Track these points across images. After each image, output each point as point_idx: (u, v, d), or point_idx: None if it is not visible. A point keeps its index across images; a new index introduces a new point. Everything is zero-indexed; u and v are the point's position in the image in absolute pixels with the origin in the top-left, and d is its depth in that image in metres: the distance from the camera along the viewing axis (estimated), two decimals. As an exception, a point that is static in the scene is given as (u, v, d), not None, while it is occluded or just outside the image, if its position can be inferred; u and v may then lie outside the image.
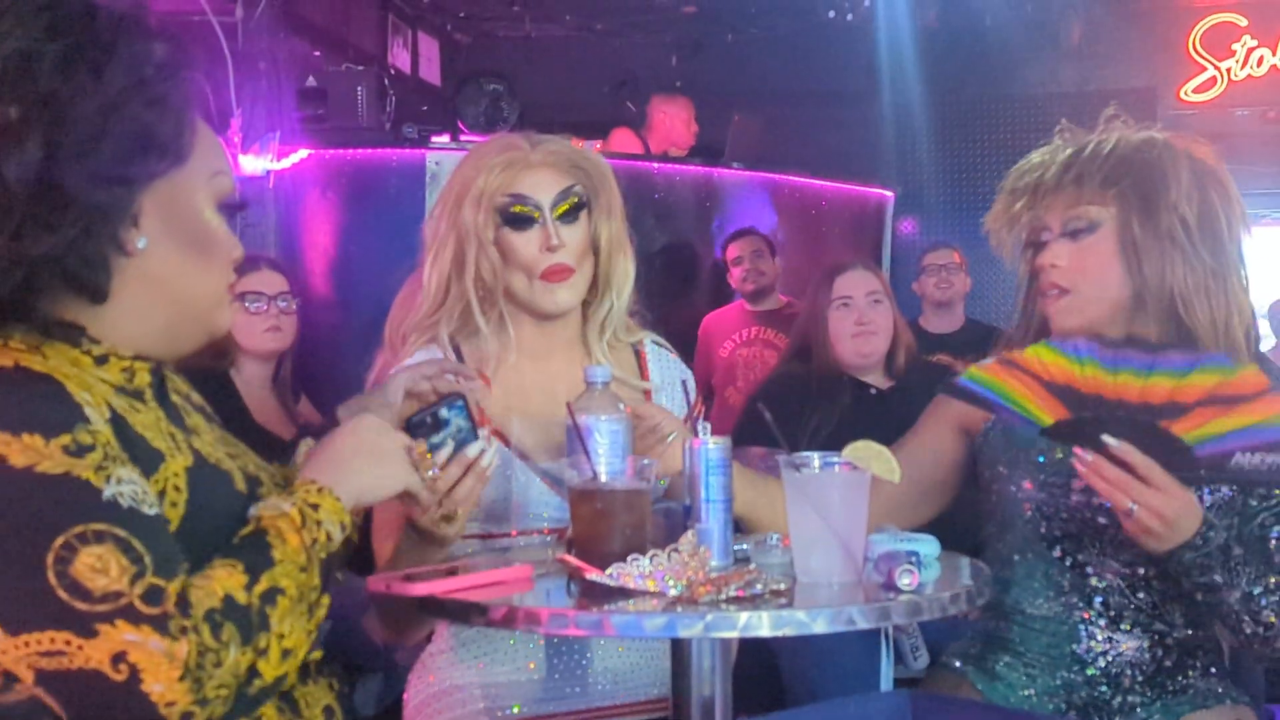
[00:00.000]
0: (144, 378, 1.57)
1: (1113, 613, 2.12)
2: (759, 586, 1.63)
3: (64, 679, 1.34)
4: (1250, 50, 9.07)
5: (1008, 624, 2.21)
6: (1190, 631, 2.14)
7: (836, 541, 1.71)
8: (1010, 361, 2.00)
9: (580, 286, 2.26)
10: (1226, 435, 1.91)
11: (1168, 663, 2.14)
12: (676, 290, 6.20)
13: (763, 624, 1.52)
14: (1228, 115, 9.25)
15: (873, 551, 1.75)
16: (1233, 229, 2.15)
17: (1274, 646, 2.02)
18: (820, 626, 1.53)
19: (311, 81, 5.69)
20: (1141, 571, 2.11)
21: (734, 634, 1.52)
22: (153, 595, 1.35)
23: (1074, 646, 2.14)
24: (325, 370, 5.15)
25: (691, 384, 2.32)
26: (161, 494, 1.47)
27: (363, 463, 1.66)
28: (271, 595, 1.45)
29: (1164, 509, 1.89)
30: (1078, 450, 1.92)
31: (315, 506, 1.56)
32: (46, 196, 1.42)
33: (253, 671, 1.42)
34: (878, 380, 3.87)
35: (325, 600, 1.54)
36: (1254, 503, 2.09)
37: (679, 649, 1.77)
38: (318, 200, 5.54)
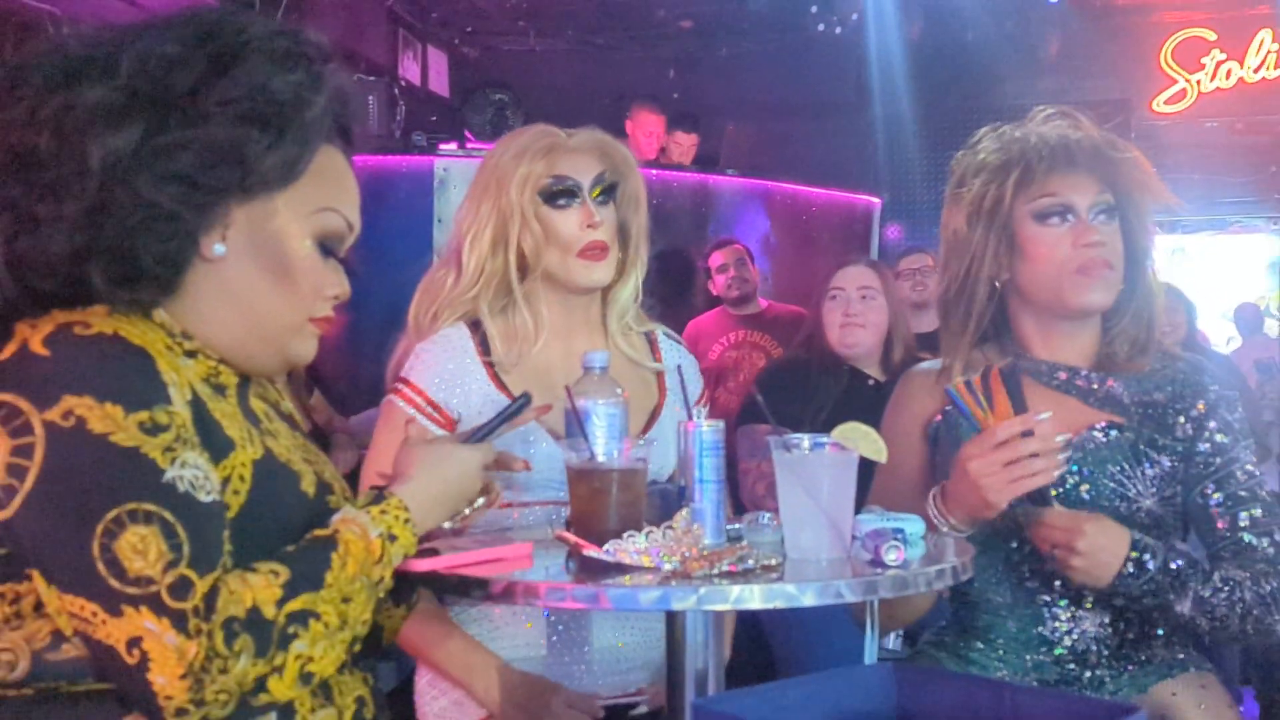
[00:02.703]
0: (229, 378, 1.56)
1: (1073, 593, 2.11)
2: (750, 562, 1.60)
3: (90, 644, 1.36)
4: (1219, 64, 9.08)
5: (976, 612, 2.19)
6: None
7: (825, 519, 1.69)
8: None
9: (613, 266, 2.26)
10: None
11: (1130, 635, 2.13)
12: (672, 294, 6.18)
13: (754, 597, 1.50)
14: (1198, 126, 9.26)
15: (860, 529, 1.73)
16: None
17: (1230, 633, 2.03)
18: (809, 599, 1.51)
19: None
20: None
21: (726, 606, 1.50)
22: (181, 588, 1.34)
23: (1039, 629, 2.13)
24: (338, 370, 5.14)
25: (691, 370, 2.31)
26: (226, 481, 1.46)
27: (447, 506, 1.64)
28: (303, 617, 1.41)
29: (1071, 543, 1.92)
30: None
31: (394, 539, 1.53)
32: (121, 182, 1.43)
33: (261, 685, 1.39)
34: (876, 372, 3.88)
35: (363, 631, 1.50)
36: (1195, 470, 2.10)
37: (673, 624, 1.76)
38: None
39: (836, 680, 1.58)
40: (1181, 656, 2.16)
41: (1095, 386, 2.13)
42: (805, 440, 1.74)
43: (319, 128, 1.56)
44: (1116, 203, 2.13)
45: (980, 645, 2.18)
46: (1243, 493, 2.09)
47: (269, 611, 1.38)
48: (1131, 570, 1.94)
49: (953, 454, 2.17)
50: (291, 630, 1.40)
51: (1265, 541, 2.06)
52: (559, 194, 2.21)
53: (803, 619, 3.40)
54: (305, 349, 1.60)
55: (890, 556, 1.62)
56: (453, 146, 5.84)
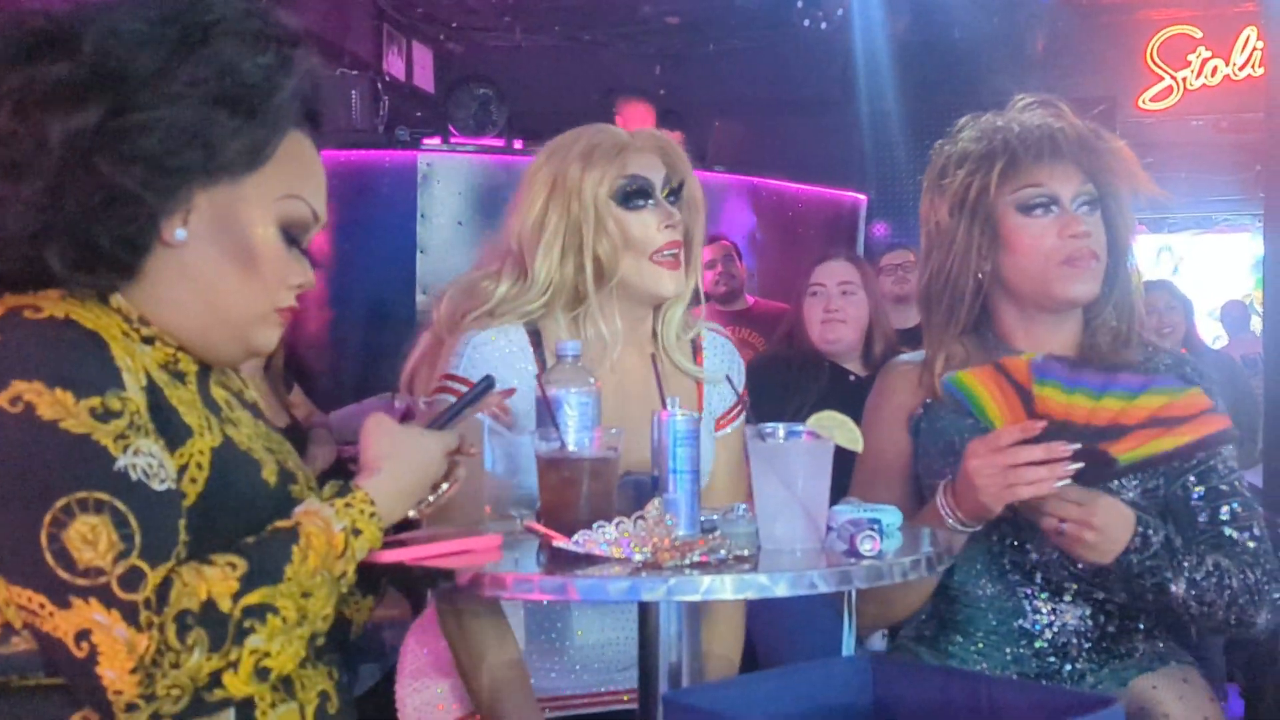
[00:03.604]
0: (189, 365, 1.53)
1: (1053, 585, 2.09)
2: (723, 552, 1.57)
3: (38, 636, 1.33)
4: (1205, 61, 9.10)
5: (956, 606, 2.16)
6: (1129, 597, 2.10)
7: (800, 509, 1.66)
8: (1002, 368, 1.94)
9: (683, 277, 2.16)
10: (1158, 455, 1.89)
11: (1111, 628, 2.11)
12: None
13: (725, 587, 1.47)
14: (1184, 124, 9.27)
15: (836, 520, 1.70)
16: None
17: (1216, 621, 2.01)
18: (782, 590, 1.48)
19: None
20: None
21: (696, 597, 1.47)
22: (132, 579, 1.31)
23: (1019, 622, 2.11)
24: (321, 365, 5.12)
25: (739, 377, 2.24)
26: (183, 469, 1.42)
27: (411, 497, 1.60)
28: (261, 611, 1.37)
29: (1088, 518, 1.88)
30: None
31: (358, 533, 1.49)
32: (82, 161, 1.40)
33: (216, 680, 1.35)
34: (856, 368, 3.87)
35: (324, 627, 1.47)
36: (1178, 461, 2.07)
37: (646, 616, 1.72)
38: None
39: (812, 672, 1.56)
40: (1162, 650, 2.14)
41: None
42: (780, 429, 1.71)
43: (287, 112, 1.52)
44: (1099, 193, 2.10)
45: (959, 639, 2.15)
46: (1224, 486, 2.07)
47: (224, 605, 1.35)
48: (1137, 544, 1.91)
49: (934, 446, 2.15)
50: (248, 624, 1.36)
51: (1245, 535, 2.05)
52: (633, 194, 2.10)
53: (786, 612, 3.37)
54: (267, 338, 1.56)
55: (865, 547, 1.59)
56: (436, 141, 5.82)
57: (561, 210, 2.10)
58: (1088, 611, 2.09)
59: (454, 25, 8.35)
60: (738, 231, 6.41)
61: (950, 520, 1.93)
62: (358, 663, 3.38)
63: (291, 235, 1.55)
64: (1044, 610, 2.10)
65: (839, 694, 1.51)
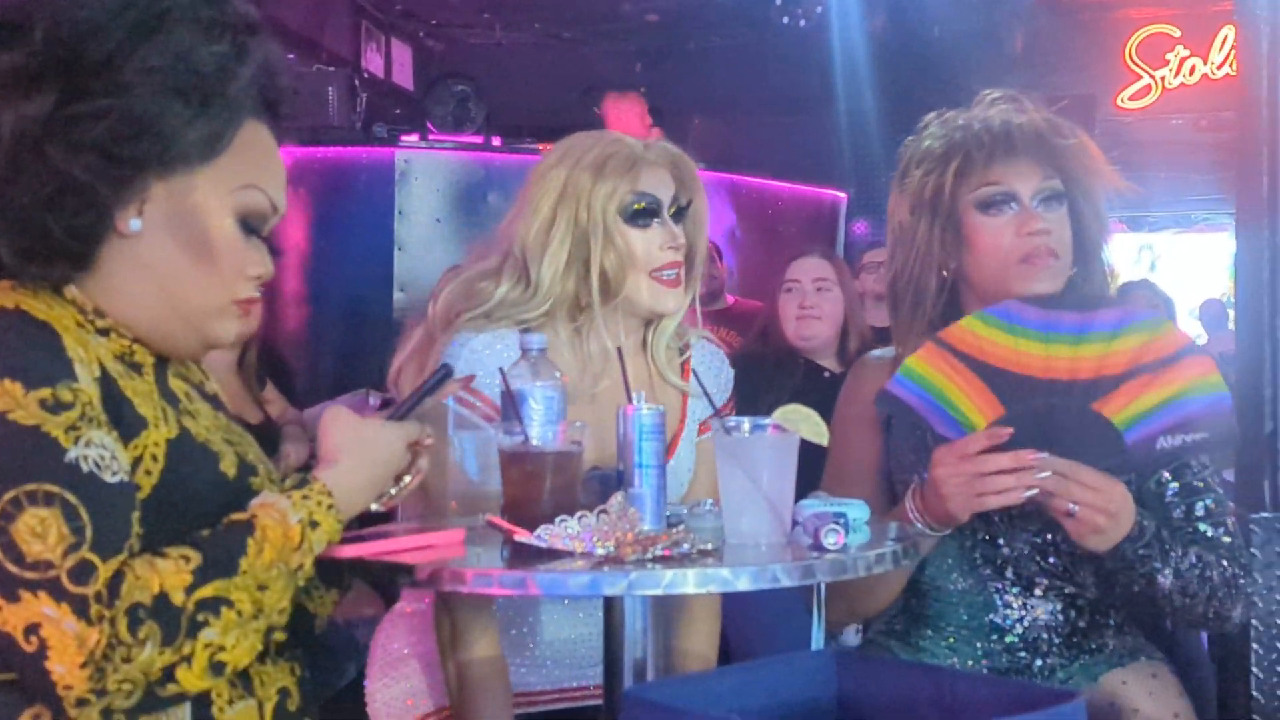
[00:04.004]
0: (145, 357, 1.50)
1: (1025, 580, 2.08)
2: (686, 546, 1.56)
3: None
4: (1183, 60, 9.11)
5: (927, 600, 2.16)
6: (1100, 592, 2.11)
7: (766, 503, 1.65)
8: (944, 343, 1.94)
9: (682, 294, 2.16)
10: (1151, 414, 1.88)
11: (1081, 623, 2.11)
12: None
13: (687, 581, 1.46)
14: (1163, 123, 9.29)
15: (801, 514, 1.69)
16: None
17: (1195, 614, 2.00)
18: (744, 584, 1.47)
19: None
20: (1050, 537, 2.06)
21: (658, 591, 1.46)
22: (82, 572, 1.29)
23: (990, 616, 2.10)
24: (297, 362, 5.09)
25: (727, 386, 2.24)
26: (138, 461, 1.40)
27: (372, 489, 1.58)
28: (215, 605, 1.36)
29: (1105, 504, 1.86)
30: None
31: (316, 525, 1.47)
32: (33, 150, 1.38)
33: (169, 674, 1.34)
34: (831, 364, 3.87)
35: (281, 620, 1.45)
36: (1172, 436, 2.04)
37: (611, 612, 1.71)
38: (290, 196, 5.46)
39: (776, 667, 1.55)
40: (1133, 645, 2.14)
41: None
42: (745, 423, 1.70)
43: (244, 101, 1.51)
44: (1065, 189, 2.09)
45: (930, 633, 2.15)
46: (1198, 483, 2.07)
47: (177, 598, 1.33)
48: (1135, 532, 1.90)
49: (905, 443, 2.14)
50: (201, 618, 1.34)
51: (1220, 531, 2.04)
52: (641, 213, 2.08)
53: (760, 607, 3.37)
54: (225, 331, 1.54)
55: (829, 540, 1.58)
56: (415, 138, 5.80)
57: (570, 218, 2.07)
58: (1059, 606, 2.09)
59: (434, 22, 8.32)
60: (717, 229, 6.40)
61: (919, 525, 1.93)
62: (343, 661, 3.35)
63: (250, 226, 1.53)
64: (1015, 605, 2.09)
65: (803, 689, 1.50)
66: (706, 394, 1.93)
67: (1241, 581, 2.02)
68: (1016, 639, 2.09)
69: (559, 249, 2.07)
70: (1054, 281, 2.05)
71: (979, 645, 2.10)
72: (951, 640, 2.12)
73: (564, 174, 2.09)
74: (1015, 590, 2.09)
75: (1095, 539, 1.89)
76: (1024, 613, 2.09)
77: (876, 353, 2.29)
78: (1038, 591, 2.08)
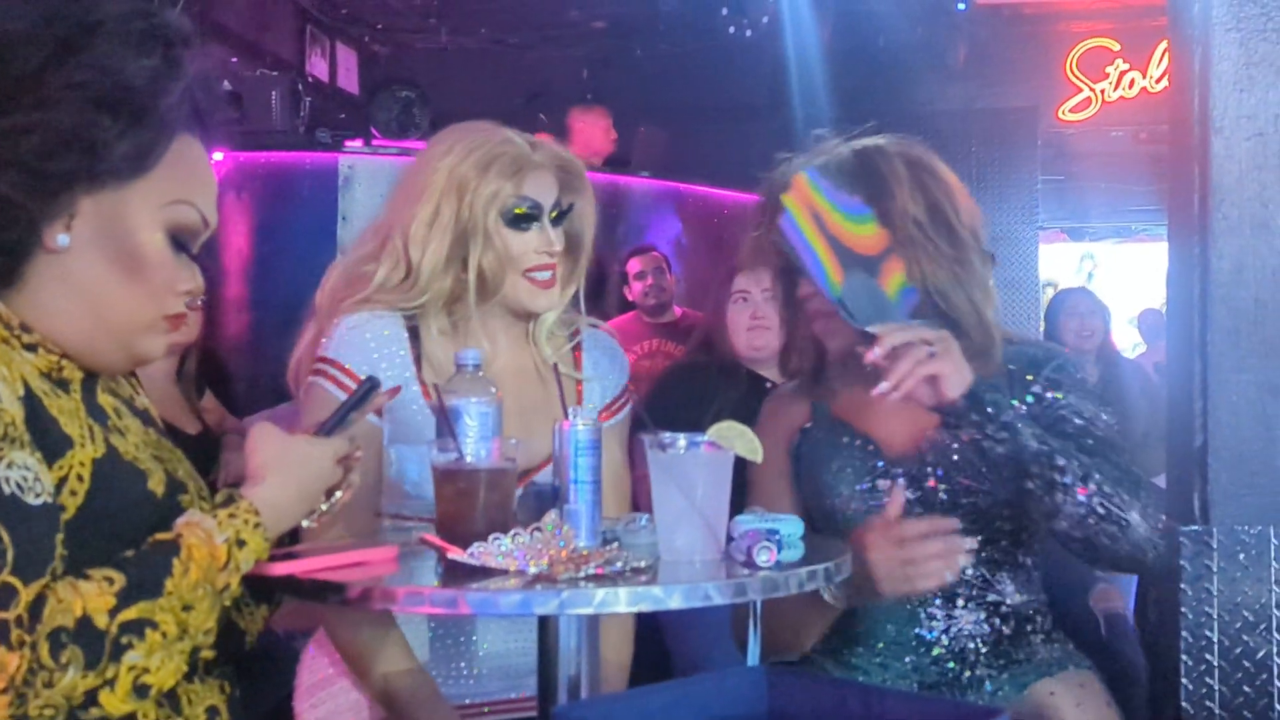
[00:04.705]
0: (73, 373, 1.48)
1: (947, 592, 2.10)
2: (620, 564, 1.55)
3: None
4: (1123, 73, 9.22)
5: (854, 618, 2.17)
6: (1023, 598, 2.14)
7: (700, 520, 1.65)
8: (815, 213, 1.98)
9: (558, 292, 2.17)
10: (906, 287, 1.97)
11: (1006, 631, 2.13)
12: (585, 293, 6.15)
13: (619, 600, 1.45)
14: (1103, 135, 9.40)
15: (736, 530, 1.68)
16: (961, 215, 2.13)
17: (1109, 533, 1.96)
18: (676, 602, 1.47)
19: (226, 86, 5.57)
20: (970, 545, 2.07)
21: (590, 610, 1.45)
22: (3, 596, 1.26)
23: (916, 630, 2.12)
24: (238, 370, 5.04)
25: (620, 373, 2.27)
26: (63, 481, 1.38)
27: (301, 505, 1.56)
28: (139, 627, 1.33)
29: (928, 335, 1.89)
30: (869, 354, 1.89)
31: (243, 544, 1.45)
32: None
33: (92, 698, 1.31)
34: (774, 375, 3.87)
35: (206, 641, 1.44)
36: (1058, 397, 2.09)
37: (546, 630, 1.70)
38: (232, 202, 5.43)
39: (706, 684, 1.54)
40: (1060, 655, 2.16)
41: None
42: (680, 439, 1.69)
43: (175, 116, 1.49)
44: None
45: (861, 650, 2.16)
46: (1061, 411, 2.08)
47: (101, 621, 1.31)
48: (982, 393, 1.90)
49: (815, 471, 2.19)
50: (125, 640, 1.32)
51: (1091, 429, 2.07)
52: (521, 216, 2.10)
53: (702, 624, 3.37)
54: (154, 347, 1.52)
55: (762, 558, 1.58)
56: (358, 144, 5.75)
57: (453, 214, 2.08)
58: (982, 616, 2.11)
59: (379, 27, 8.29)
60: (663, 237, 6.41)
61: (825, 594, 2.00)
62: (285, 672, 3.32)
63: (180, 241, 1.52)
64: (939, 616, 2.11)
65: (733, 705, 1.50)
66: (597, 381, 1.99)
67: (1134, 471, 2.02)
68: (943, 650, 2.11)
69: (440, 244, 2.08)
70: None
71: (908, 659, 2.12)
72: (881, 657, 2.14)
73: (450, 167, 2.09)
74: (938, 602, 2.11)
75: (952, 382, 1.88)
76: (948, 624, 2.11)
77: (788, 385, 2.32)
78: (960, 602, 2.11)
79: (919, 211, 2.07)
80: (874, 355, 1.87)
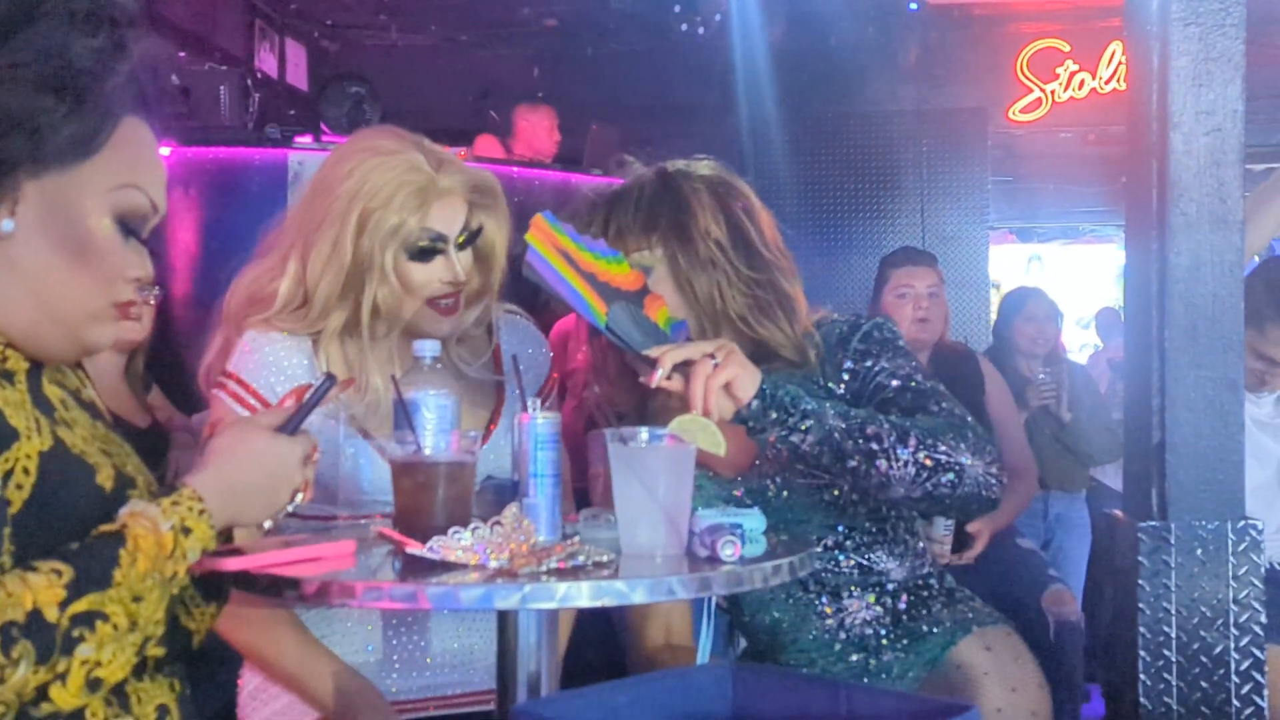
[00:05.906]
0: (18, 364, 1.44)
1: (829, 586, 2.11)
2: (581, 558, 1.54)
3: None
4: (1073, 74, 9.29)
5: (759, 637, 2.21)
6: (907, 569, 2.14)
7: (662, 515, 1.63)
8: (563, 251, 1.99)
9: (459, 317, 2.12)
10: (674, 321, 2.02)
11: (901, 606, 2.13)
12: (532, 294, 6.12)
13: (581, 594, 1.43)
14: (1052, 136, 9.47)
15: (699, 525, 1.67)
16: (764, 234, 2.13)
17: (945, 470, 1.92)
18: (639, 597, 1.45)
19: (174, 80, 5.50)
20: (832, 541, 2.11)
21: (552, 604, 1.43)
22: None
23: (814, 631, 2.13)
24: (185, 365, 4.97)
25: (539, 355, 2.25)
26: (9, 474, 1.34)
27: (258, 499, 1.53)
28: (89, 619, 1.31)
29: (705, 347, 1.88)
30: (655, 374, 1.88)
31: (188, 531, 1.42)
32: None
33: (42, 693, 1.28)
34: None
35: (156, 632, 1.40)
36: (871, 365, 2.07)
37: (505, 625, 1.68)
38: (180, 197, 5.35)
39: (670, 681, 1.53)
40: (970, 616, 2.15)
41: None
42: (642, 433, 1.68)
43: (121, 98, 1.45)
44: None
45: (783, 657, 2.18)
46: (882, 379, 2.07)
47: (51, 614, 1.27)
48: (768, 389, 1.88)
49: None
50: (76, 634, 1.29)
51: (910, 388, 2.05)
52: (425, 250, 2.04)
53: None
54: (103, 335, 1.49)
55: (726, 552, 1.56)
56: (308, 140, 5.69)
57: (350, 247, 2.00)
58: (871, 600, 2.11)
59: (329, 22, 8.24)
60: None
61: None
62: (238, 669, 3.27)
63: (129, 227, 1.48)
64: (829, 614, 2.12)
65: (697, 703, 1.49)
66: (514, 361, 1.99)
67: (958, 414, 2.00)
68: (844, 644, 2.12)
69: (335, 278, 2.02)
70: None
71: (819, 661, 2.14)
72: (803, 657, 2.15)
73: (352, 194, 2.01)
74: (824, 599, 2.12)
75: (745, 379, 1.87)
76: (842, 616, 2.12)
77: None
78: (843, 594, 2.12)
79: (720, 233, 2.08)
80: (656, 379, 1.86)
